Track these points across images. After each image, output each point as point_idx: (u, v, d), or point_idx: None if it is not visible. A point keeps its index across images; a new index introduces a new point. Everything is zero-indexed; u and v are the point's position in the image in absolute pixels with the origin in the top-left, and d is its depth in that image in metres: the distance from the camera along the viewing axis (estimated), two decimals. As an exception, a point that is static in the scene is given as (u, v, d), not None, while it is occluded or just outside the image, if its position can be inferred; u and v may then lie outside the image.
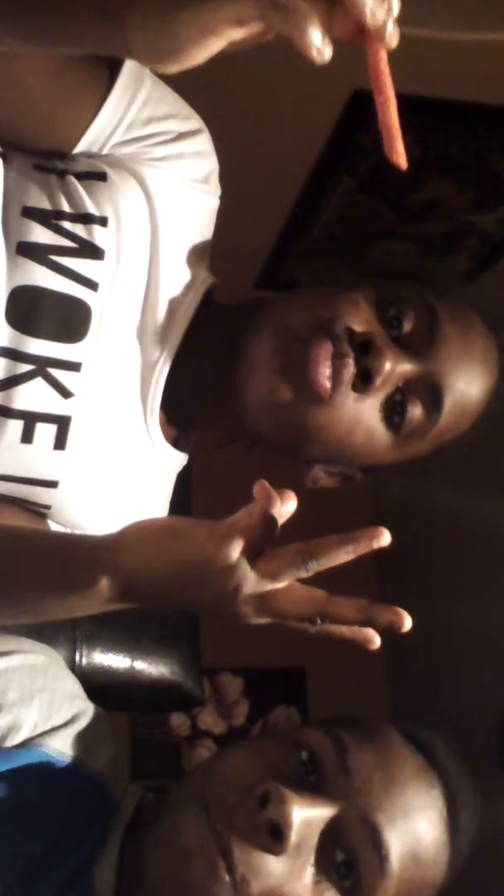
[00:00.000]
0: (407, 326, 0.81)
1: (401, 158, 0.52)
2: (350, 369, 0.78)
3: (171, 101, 0.86)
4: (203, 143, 0.88)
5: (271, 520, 0.63)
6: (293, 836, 0.66)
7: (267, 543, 0.63)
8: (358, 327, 0.79)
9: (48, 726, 0.79)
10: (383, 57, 0.52)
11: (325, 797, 0.69)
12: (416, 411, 0.81)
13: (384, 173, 1.73)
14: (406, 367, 0.80)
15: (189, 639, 1.29)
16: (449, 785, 0.74)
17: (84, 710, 0.83)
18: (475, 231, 1.90)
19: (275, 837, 0.66)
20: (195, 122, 0.88)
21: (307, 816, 0.67)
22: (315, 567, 0.62)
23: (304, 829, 0.67)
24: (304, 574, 0.63)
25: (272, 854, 0.66)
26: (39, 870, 0.72)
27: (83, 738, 0.81)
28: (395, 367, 0.79)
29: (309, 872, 0.68)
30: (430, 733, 0.77)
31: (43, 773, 0.77)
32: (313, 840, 0.68)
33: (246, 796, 0.68)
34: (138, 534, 0.67)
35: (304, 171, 1.74)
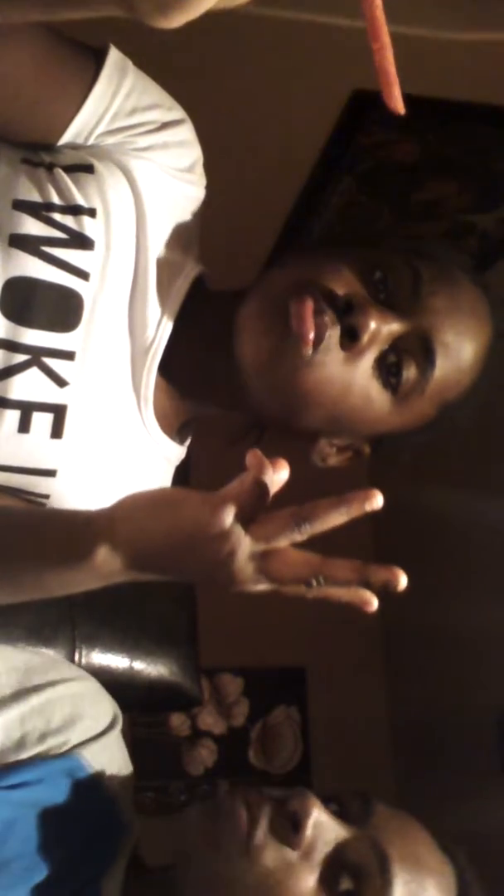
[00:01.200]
0: (392, 287, 0.82)
1: (398, 104, 0.52)
2: (331, 326, 0.78)
3: (155, 92, 0.88)
4: (187, 133, 0.89)
5: (263, 486, 0.63)
6: (308, 831, 0.71)
7: (260, 510, 0.64)
8: (340, 290, 0.80)
9: (84, 739, 0.82)
10: (378, 3, 0.51)
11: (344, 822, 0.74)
12: (410, 371, 0.82)
13: (384, 173, 1.73)
14: (394, 327, 0.80)
15: (188, 639, 1.29)
16: (464, 877, 0.77)
17: (114, 722, 0.86)
18: (475, 231, 1.90)
19: (294, 831, 0.71)
20: (178, 112, 0.89)
21: (321, 819, 0.72)
22: (308, 530, 0.63)
23: (317, 829, 0.72)
24: (297, 537, 0.63)
25: (289, 846, 0.71)
26: (56, 877, 0.74)
27: (108, 757, 0.83)
28: (381, 326, 0.79)
29: (313, 879, 0.71)
30: (451, 843, 0.81)
31: (73, 781, 0.79)
32: (325, 850, 0.72)
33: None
34: (132, 505, 0.67)
35: (304, 171, 1.74)
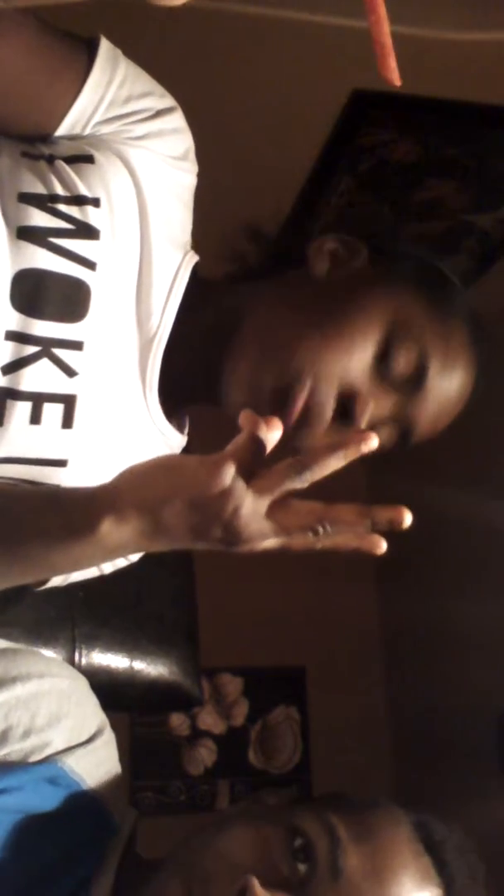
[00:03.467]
0: (397, 367, 0.82)
1: (394, 75, 0.51)
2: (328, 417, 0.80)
3: (146, 80, 0.88)
4: (179, 120, 0.90)
5: (259, 441, 0.63)
6: None
7: (258, 466, 0.64)
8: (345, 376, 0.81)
9: (67, 746, 0.81)
10: None
11: None
12: (383, 436, 0.82)
13: (384, 173, 1.73)
14: (386, 407, 0.83)
15: (188, 639, 1.29)
16: (452, 891, 0.72)
17: (100, 730, 0.84)
18: (475, 231, 1.90)
19: None
20: (170, 99, 0.90)
21: None
22: (309, 477, 0.63)
23: None
24: (299, 485, 0.63)
25: None
26: (43, 884, 0.73)
27: (94, 761, 0.82)
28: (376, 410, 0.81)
29: None
30: (446, 827, 0.76)
31: (56, 788, 0.78)
32: None
33: (229, 883, 0.67)
34: (132, 475, 0.67)
35: (305, 171, 1.74)
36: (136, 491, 0.66)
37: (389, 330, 0.83)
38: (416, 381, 0.83)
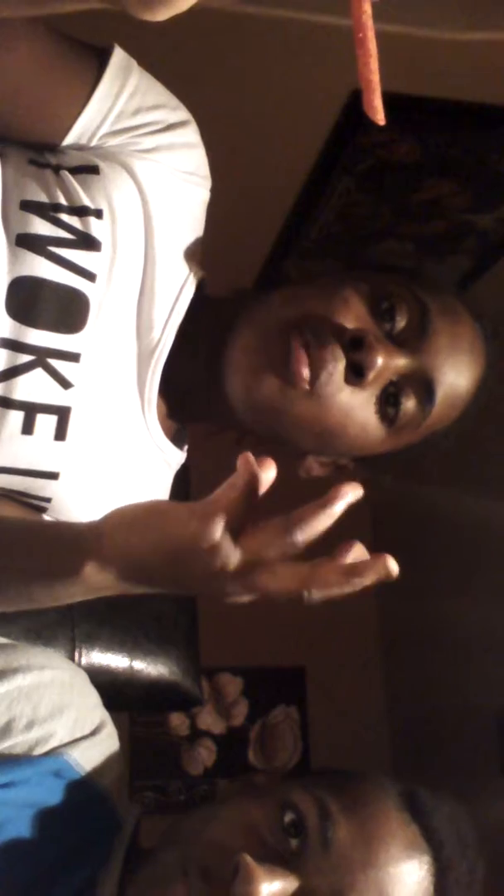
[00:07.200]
0: (399, 321, 0.82)
1: (378, 114, 0.52)
2: (334, 360, 0.79)
3: (159, 92, 0.88)
4: (192, 135, 0.89)
5: (252, 493, 0.62)
6: None
7: (249, 517, 0.62)
8: (349, 324, 0.80)
9: (72, 738, 0.80)
10: (367, 10, 0.51)
11: (293, 871, 0.68)
12: (409, 403, 0.83)
13: (384, 173, 1.73)
14: (399, 362, 0.81)
15: (188, 639, 1.29)
16: (440, 860, 0.73)
17: (103, 723, 0.84)
18: (475, 231, 1.90)
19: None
20: (183, 112, 0.89)
21: (271, 891, 0.67)
22: (301, 540, 0.61)
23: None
24: (289, 549, 0.62)
25: None
26: (49, 881, 0.73)
27: (98, 754, 0.82)
28: (388, 362, 0.80)
29: None
30: (435, 796, 0.76)
31: (62, 781, 0.78)
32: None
33: (224, 864, 0.68)
34: (120, 518, 0.66)
35: (304, 171, 1.74)
36: (123, 536, 0.65)
37: (378, 284, 0.83)
38: (420, 328, 0.82)
